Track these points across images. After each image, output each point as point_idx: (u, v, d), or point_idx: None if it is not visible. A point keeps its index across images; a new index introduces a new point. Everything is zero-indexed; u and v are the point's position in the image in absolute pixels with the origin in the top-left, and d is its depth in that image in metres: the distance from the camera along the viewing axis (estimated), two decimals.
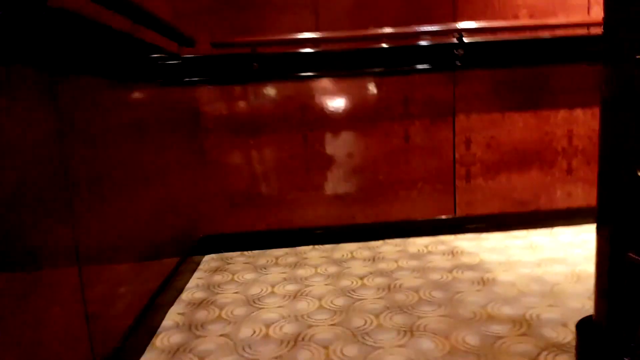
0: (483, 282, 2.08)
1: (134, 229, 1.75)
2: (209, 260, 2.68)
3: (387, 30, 2.63)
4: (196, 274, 2.46)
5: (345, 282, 2.19)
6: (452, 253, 2.51)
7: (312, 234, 2.84)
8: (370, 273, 2.30)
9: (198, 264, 2.64)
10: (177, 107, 2.54)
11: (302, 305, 1.97)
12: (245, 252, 2.78)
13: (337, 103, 2.77)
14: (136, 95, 1.90)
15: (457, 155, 2.84)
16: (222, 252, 2.81)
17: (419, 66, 2.73)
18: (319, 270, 2.38)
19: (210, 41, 2.53)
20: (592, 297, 1.85)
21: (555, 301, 1.84)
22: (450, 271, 2.24)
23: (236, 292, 2.16)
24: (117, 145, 1.63)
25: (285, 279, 2.29)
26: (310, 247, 2.80)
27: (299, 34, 2.60)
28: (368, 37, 2.66)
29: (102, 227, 1.46)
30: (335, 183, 2.83)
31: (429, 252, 2.55)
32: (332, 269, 2.39)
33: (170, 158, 2.32)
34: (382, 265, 2.39)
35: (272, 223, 2.85)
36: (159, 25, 1.94)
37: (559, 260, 2.30)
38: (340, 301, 1.98)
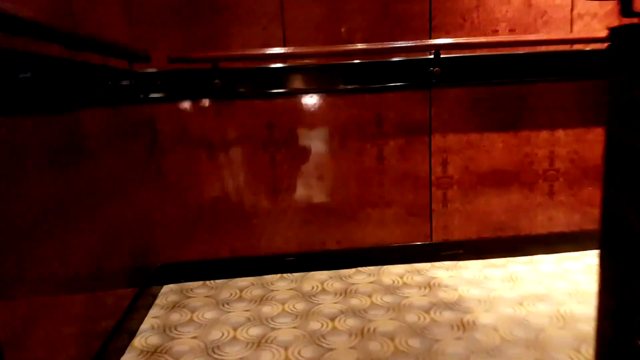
0: (463, 327, 1.92)
1: (79, 261, 1.54)
2: (168, 293, 2.45)
3: (360, 46, 2.45)
4: (152, 311, 2.24)
5: (314, 325, 2.01)
6: (429, 286, 2.36)
7: (280, 261, 2.65)
8: (342, 312, 2.12)
9: (155, 296, 2.41)
10: (131, 126, 2.31)
11: (266, 356, 1.77)
12: (208, 282, 2.57)
13: (306, 121, 2.57)
14: (77, 122, 1.66)
15: (433, 177, 2.68)
16: (182, 281, 2.60)
17: (393, 83, 2.56)
18: (286, 308, 2.20)
19: (167, 56, 2.30)
20: (580, 348, 1.73)
21: (542, 354, 1.69)
22: (428, 311, 2.08)
23: (194, 337, 1.95)
24: (51, 180, 1.41)
25: (249, 319, 2.09)
26: (278, 276, 2.61)
27: (266, 49, 2.39)
28: (339, 53, 2.47)
29: (36, 259, 1.26)
30: (304, 206, 2.64)
31: (405, 284, 2.39)
32: (301, 306, 2.21)
33: (122, 182, 2.09)
34: (355, 302, 2.22)
35: (237, 249, 2.64)
36: (104, 47, 1.72)
37: (542, 297, 2.17)
38: (308, 352, 1.79)
